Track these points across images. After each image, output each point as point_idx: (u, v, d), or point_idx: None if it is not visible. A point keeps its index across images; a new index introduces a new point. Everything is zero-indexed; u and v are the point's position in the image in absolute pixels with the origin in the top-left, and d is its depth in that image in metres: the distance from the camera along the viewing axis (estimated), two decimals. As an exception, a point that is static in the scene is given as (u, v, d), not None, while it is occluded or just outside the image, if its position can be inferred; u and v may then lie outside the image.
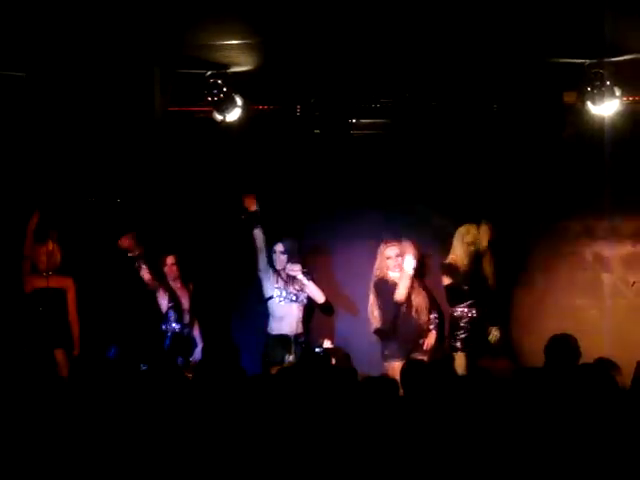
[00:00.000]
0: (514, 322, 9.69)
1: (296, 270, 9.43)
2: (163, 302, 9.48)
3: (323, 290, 9.58)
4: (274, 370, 7.72)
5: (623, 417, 5.10)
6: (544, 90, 9.13)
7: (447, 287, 9.29)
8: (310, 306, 9.63)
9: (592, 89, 8.67)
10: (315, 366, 6.34)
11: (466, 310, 9.17)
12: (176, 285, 9.56)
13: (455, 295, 9.23)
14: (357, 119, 9.50)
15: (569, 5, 7.05)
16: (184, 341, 9.35)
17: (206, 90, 8.86)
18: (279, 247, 9.54)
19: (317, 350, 8.67)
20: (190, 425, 5.42)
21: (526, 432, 5.15)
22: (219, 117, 9.05)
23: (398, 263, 9.21)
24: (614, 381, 5.36)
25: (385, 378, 5.99)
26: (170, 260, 9.50)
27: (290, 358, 8.68)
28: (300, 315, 9.53)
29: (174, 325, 9.42)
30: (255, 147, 9.60)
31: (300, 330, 9.48)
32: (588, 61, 8.50)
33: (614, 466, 4.82)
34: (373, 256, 9.51)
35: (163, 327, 9.42)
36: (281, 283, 9.49)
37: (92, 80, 8.28)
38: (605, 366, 6.93)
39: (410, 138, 9.53)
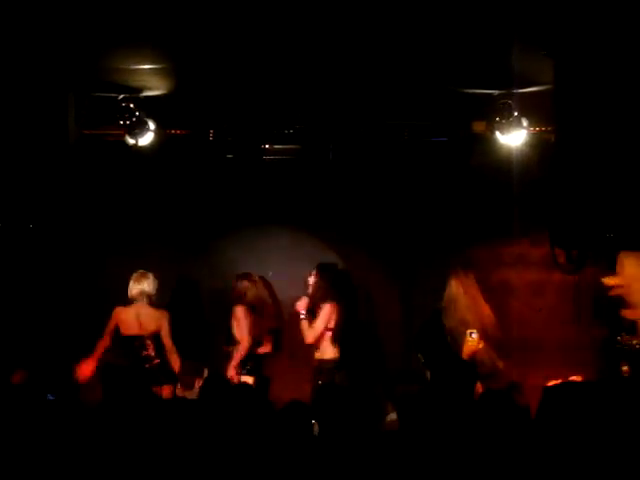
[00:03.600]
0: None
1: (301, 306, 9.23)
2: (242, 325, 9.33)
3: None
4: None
5: (528, 442, 5.18)
6: (454, 119, 9.28)
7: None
8: None
9: (500, 119, 8.85)
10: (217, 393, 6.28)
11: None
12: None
13: None
14: (269, 144, 9.55)
15: (479, 37, 7.19)
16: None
17: (118, 114, 8.84)
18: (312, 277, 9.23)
19: None
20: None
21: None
22: (131, 141, 9.02)
23: None
24: (516, 404, 5.44)
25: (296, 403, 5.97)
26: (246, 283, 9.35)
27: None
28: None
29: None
30: (167, 171, 9.59)
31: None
32: (497, 92, 8.67)
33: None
34: (282, 278, 9.54)
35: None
36: None
37: (4, 104, 8.19)
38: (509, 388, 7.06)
39: (321, 164, 9.60)
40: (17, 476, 5.24)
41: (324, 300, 9.05)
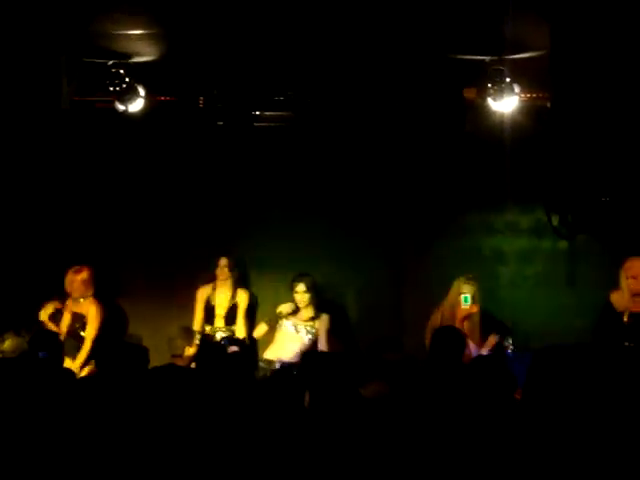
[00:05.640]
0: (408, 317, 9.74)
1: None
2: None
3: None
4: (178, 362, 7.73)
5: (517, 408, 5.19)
6: (445, 86, 9.24)
7: None
8: None
9: (492, 86, 8.83)
10: (212, 356, 6.27)
11: None
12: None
13: None
14: (260, 111, 9.49)
15: (470, 3, 7.18)
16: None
17: (108, 80, 8.80)
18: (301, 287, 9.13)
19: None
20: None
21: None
22: (121, 107, 8.98)
23: None
24: (507, 370, 5.43)
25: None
26: (223, 262, 9.40)
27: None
28: None
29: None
30: (157, 138, 9.54)
31: None
32: (488, 58, 8.66)
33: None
34: (276, 251, 9.52)
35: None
36: None
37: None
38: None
39: (313, 131, 9.56)
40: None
41: None
